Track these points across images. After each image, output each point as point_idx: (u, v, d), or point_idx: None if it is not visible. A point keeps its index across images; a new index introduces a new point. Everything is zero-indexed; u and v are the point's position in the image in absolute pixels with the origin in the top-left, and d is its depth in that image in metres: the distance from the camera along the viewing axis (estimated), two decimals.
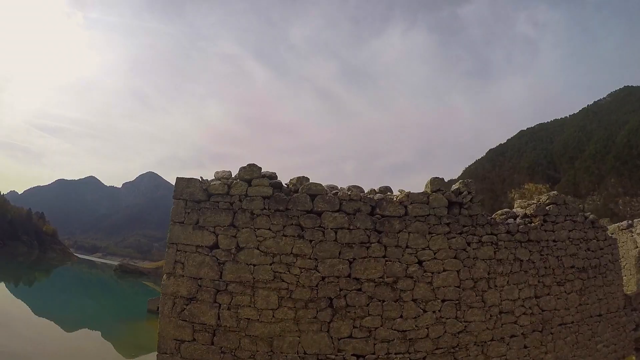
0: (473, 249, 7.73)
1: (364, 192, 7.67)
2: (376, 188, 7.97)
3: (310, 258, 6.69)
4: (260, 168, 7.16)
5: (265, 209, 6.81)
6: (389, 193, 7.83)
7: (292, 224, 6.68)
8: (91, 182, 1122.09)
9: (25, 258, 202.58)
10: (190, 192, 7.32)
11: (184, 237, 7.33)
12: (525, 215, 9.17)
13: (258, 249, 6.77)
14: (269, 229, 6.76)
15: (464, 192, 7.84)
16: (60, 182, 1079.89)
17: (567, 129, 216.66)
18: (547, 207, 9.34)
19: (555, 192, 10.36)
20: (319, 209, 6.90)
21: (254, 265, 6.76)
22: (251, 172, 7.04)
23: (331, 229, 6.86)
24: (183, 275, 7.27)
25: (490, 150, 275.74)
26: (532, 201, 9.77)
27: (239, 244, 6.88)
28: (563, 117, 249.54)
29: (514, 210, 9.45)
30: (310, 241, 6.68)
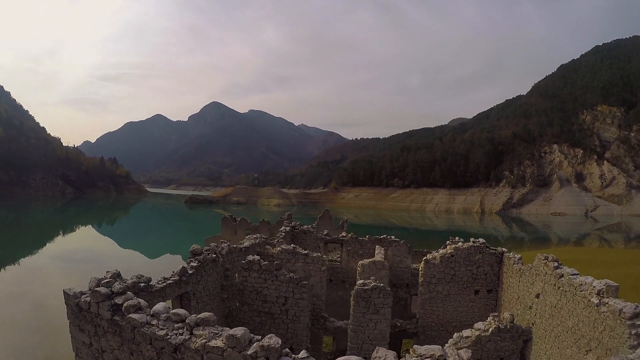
0: None
1: (182, 318, 8.37)
2: (194, 320, 8.16)
3: None
4: (104, 294, 9.24)
5: (109, 327, 9.07)
6: (203, 329, 7.96)
7: (126, 343, 8.85)
8: (158, 120, 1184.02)
9: (104, 201, 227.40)
10: (70, 304, 9.83)
11: (75, 334, 10.03)
12: None
13: (112, 353, 9.21)
14: (115, 342, 9.06)
15: None
16: (129, 125, 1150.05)
17: None
18: None
19: None
20: (137, 340, 8.44)
21: None
22: (96, 297, 9.20)
23: (147, 357, 8.38)
24: (82, 358, 10.11)
25: (562, 65, 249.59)
26: None
27: (102, 347, 9.38)
28: None
29: None
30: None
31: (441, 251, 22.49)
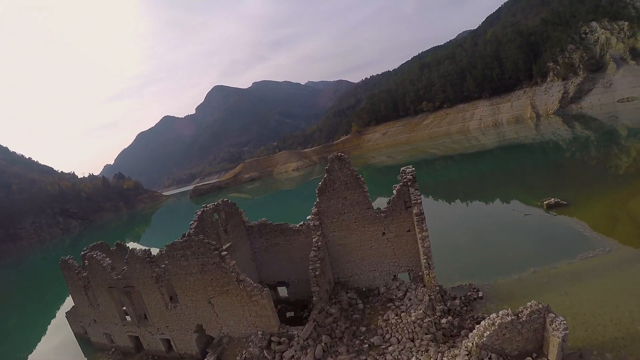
0: None
1: None
2: None
3: None
4: None
5: None
6: None
7: None
8: (167, 121, 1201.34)
9: (117, 222, 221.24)
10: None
11: None
12: None
13: None
14: None
15: None
16: (141, 135, 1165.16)
17: None
18: None
19: None
20: None
21: None
22: None
23: None
24: None
25: None
26: None
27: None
28: None
29: None
30: None
31: None
